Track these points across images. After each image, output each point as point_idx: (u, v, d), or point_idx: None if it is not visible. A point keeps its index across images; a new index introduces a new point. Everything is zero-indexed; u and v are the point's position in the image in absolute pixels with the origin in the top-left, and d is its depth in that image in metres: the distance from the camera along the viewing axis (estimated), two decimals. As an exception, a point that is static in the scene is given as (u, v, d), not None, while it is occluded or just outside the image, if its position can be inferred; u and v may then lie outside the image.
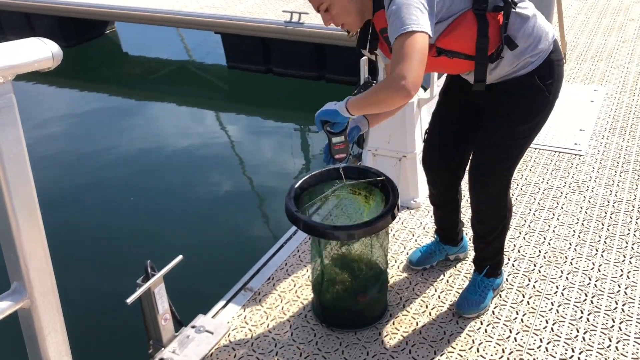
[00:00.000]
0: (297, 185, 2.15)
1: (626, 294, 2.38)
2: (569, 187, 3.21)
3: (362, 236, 2.04)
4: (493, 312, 2.32)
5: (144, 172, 5.73)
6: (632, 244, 2.70)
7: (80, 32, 9.12)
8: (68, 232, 4.56)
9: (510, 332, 2.22)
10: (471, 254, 2.66)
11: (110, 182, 5.50)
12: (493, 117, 2.01)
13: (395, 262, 2.65)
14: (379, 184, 2.16)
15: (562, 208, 3.01)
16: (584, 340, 2.16)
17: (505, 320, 2.28)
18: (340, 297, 2.24)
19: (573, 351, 2.11)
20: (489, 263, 2.33)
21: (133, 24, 8.26)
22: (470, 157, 2.15)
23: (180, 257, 2.18)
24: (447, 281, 2.51)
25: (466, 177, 2.18)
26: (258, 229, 4.54)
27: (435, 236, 2.61)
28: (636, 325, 2.21)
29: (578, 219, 2.91)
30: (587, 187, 3.19)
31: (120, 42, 9.71)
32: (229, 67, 7.76)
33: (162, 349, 2.16)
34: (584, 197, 3.10)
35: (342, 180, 2.17)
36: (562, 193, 3.15)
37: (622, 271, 2.52)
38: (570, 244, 2.72)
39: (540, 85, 1.91)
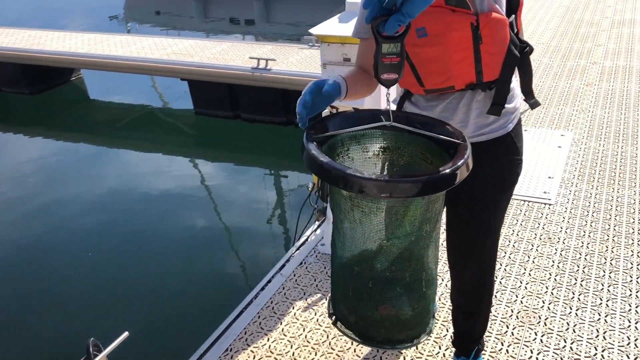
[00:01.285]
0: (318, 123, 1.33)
1: (603, 358, 2.26)
2: (540, 238, 3.11)
3: (400, 194, 1.13)
4: (465, 383, 2.17)
5: (107, 222, 5.54)
6: (607, 301, 2.59)
7: (45, 79, 8.95)
8: (16, 296, 4.31)
9: (484, 405, 2.07)
10: (441, 314, 2.53)
11: (72, 233, 5.30)
12: (470, 192, 1.67)
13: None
14: (452, 149, 1.26)
15: (533, 262, 2.91)
16: (562, 413, 2.02)
17: (478, 392, 2.13)
18: (354, 297, 1.47)
19: None
20: (478, 342, 2.10)
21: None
22: (450, 234, 1.86)
23: (125, 333, 2.00)
24: (416, 348, 2.37)
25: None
26: (216, 292, 4.30)
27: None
28: (615, 394, 2.09)
29: (550, 274, 2.81)
30: (558, 238, 3.10)
31: (87, 88, 9.56)
32: (196, 114, 7.66)
33: None
34: (556, 249, 3.01)
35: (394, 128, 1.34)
36: (532, 245, 3.05)
37: (597, 331, 2.41)
38: (544, 302, 2.61)
39: (518, 148, 1.70)
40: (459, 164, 1.16)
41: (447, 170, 1.14)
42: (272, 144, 7.16)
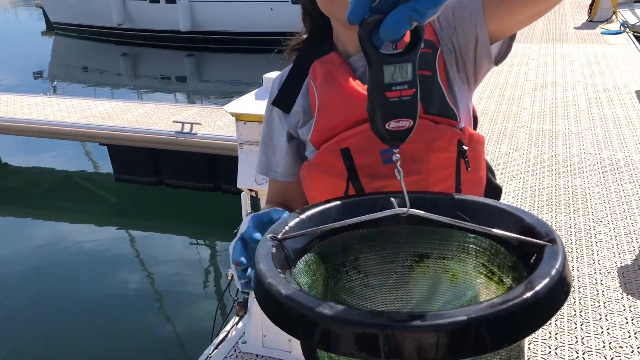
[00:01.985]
0: (289, 225, 0.78)
1: None
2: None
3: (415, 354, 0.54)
4: None
5: (18, 295, 5.03)
6: (555, 401, 2.36)
7: (-50, 143, 8.28)
8: None
9: None
10: None
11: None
12: None
13: None
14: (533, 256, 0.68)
15: None
16: None
17: None
18: None
19: None
20: None
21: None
22: None
23: None
24: None
25: None
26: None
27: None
28: None
29: (493, 369, 2.56)
30: (499, 325, 2.89)
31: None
32: (116, 180, 7.21)
33: None
34: (497, 338, 2.78)
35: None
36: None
37: None
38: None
39: None
40: (539, 286, 0.59)
41: (514, 300, 0.57)
42: (198, 212, 6.80)
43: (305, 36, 1.20)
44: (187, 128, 6.48)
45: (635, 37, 10.76)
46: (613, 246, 3.64)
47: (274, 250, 0.72)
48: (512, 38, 1.06)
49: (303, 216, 0.81)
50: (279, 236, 0.75)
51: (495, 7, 0.98)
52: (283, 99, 1.14)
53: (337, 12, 1.03)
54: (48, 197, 7.62)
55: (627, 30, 10.67)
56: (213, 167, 6.63)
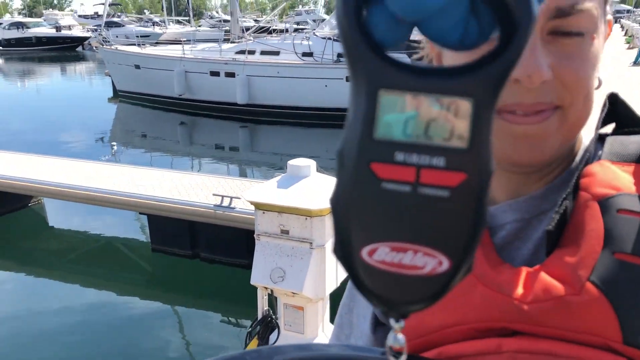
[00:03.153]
0: None
1: None
2: None
3: None
4: None
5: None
6: None
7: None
8: None
9: None
10: None
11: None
12: None
13: None
14: None
15: None
16: None
17: None
18: None
19: None
20: None
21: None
22: None
23: None
24: None
25: None
26: None
27: None
28: None
29: None
30: None
31: (47, 215, 9.03)
32: (153, 250, 7.09)
33: None
34: None
35: None
36: None
37: None
38: None
39: None
40: None
41: None
42: (233, 288, 6.55)
43: None
44: (226, 202, 6.34)
45: None
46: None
47: None
48: None
49: None
50: None
51: None
52: None
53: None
54: (86, 263, 7.58)
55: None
56: (250, 244, 6.40)
